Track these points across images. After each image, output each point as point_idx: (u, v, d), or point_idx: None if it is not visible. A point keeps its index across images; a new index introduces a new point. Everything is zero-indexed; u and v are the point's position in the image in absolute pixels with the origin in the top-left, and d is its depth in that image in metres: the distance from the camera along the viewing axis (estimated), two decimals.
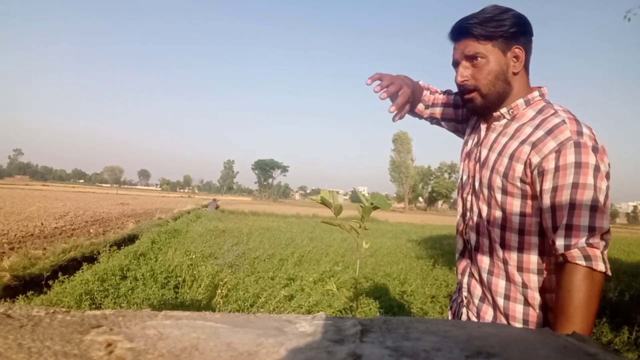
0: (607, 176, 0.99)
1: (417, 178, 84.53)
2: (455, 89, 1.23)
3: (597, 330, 3.67)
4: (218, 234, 9.72)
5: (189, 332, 0.42)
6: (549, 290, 1.05)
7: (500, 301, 1.11)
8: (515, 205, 1.07)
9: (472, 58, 1.11)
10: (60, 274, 4.67)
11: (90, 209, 17.94)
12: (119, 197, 37.41)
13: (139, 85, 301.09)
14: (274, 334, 0.42)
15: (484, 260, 1.15)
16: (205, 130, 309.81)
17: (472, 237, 1.19)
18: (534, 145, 1.03)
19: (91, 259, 6.07)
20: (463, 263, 1.24)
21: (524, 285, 1.07)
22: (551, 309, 1.04)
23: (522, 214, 1.06)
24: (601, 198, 0.96)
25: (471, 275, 1.21)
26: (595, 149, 0.98)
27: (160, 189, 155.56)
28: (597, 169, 0.97)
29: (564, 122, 1.01)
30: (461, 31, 1.12)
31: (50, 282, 4.47)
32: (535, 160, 1.01)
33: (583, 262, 0.94)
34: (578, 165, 0.96)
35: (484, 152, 1.16)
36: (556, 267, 1.03)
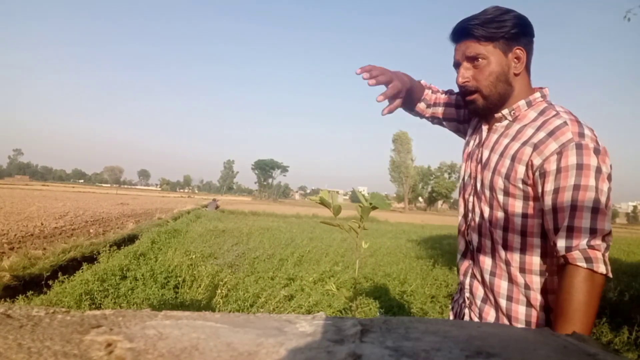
0: (609, 178, 0.99)
1: (417, 178, 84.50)
2: (456, 89, 1.23)
3: (597, 330, 3.67)
4: (218, 234, 9.72)
5: (189, 332, 0.42)
6: (551, 292, 1.05)
7: (503, 302, 1.11)
8: (517, 206, 1.07)
9: (473, 59, 1.10)
10: (60, 274, 4.67)
11: (90, 209, 17.94)
12: (118, 197, 37.41)
13: (139, 85, 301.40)
14: (274, 334, 0.42)
15: (486, 262, 1.15)
16: (205, 130, 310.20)
17: (474, 238, 1.18)
18: (535, 147, 1.02)
19: (91, 259, 6.06)
20: (465, 264, 1.24)
21: (527, 287, 1.07)
22: (553, 310, 1.04)
23: (524, 216, 1.06)
24: (603, 200, 0.96)
25: (473, 276, 1.20)
26: (596, 151, 0.98)
27: (160, 189, 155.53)
28: (598, 170, 0.97)
29: (565, 123, 1.01)
30: (462, 32, 1.12)
31: (50, 282, 4.47)
32: (536, 161, 1.01)
33: (584, 264, 0.94)
34: (580, 167, 0.96)
35: (486, 153, 1.16)
36: (557, 269, 1.03)
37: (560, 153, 0.98)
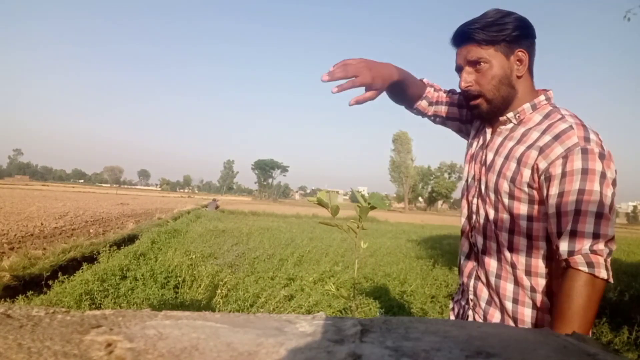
0: (614, 183, 0.99)
1: (417, 178, 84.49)
2: (458, 89, 1.22)
3: (597, 330, 3.67)
4: (218, 234, 9.71)
5: (189, 332, 0.42)
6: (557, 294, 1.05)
7: (509, 305, 1.11)
8: (522, 209, 1.07)
9: (475, 63, 1.10)
10: (60, 274, 4.67)
11: (90, 209, 17.94)
12: (118, 197, 37.41)
13: (139, 85, 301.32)
14: (274, 334, 0.42)
15: (491, 264, 1.15)
16: (205, 130, 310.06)
17: (479, 240, 1.18)
18: (541, 150, 1.02)
19: (91, 259, 6.06)
20: (469, 265, 1.23)
21: (533, 289, 1.07)
22: (552, 311, 1.04)
23: (530, 219, 1.06)
24: (606, 205, 0.96)
25: (477, 278, 1.20)
26: (602, 156, 0.98)
27: (160, 189, 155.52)
28: (603, 175, 0.97)
29: (571, 127, 1.01)
30: (463, 36, 1.11)
31: (50, 282, 4.47)
32: (542, 165, 1.01)
33: (585, 269, 0.94)
34: (585, 171, 0.96)
35: (490, 156, 1.15)
36: (558, 271, 1.03)
37: (565, 157, 0.98)
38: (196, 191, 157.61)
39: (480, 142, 1.22)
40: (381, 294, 4.75)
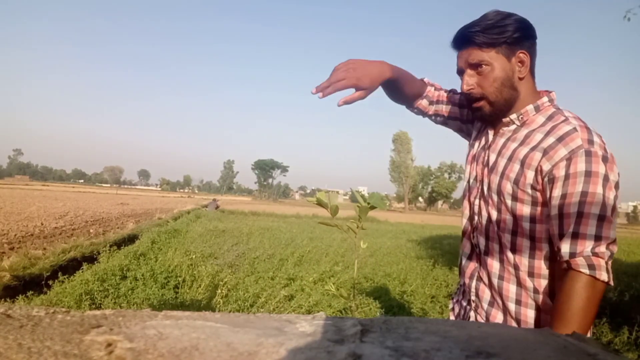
0: (616, 186, 0.99)
1: (417, 178, 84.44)
2: (459, 89, 1.22)
3: (597, 330, 3.67)
4: (218, 234, 9.71)
5: (189, 332, 0.42)
6: None
7: (512, 306, 1.11)
8: (525, 211, 1.07)
9: (476, 66, 1.10)
10: (60, 274, 4.67)
11: (90, 209, 17.94)
12: (119, 197, 37.40)
13: (139, 85, 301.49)
14: (274, 334, 0.42)
15: (494, 265, 1.15)
16: (205, 130, 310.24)
17: (481, 241, 1.18)
18: (545, 152, 1.02)
19: (91, 259, 6.06)
20: (471, 266, 1.23)
21: (535, 291, 1.07)
22: (551, 311, 1.04)
23: (533, 220, 1.06)
24: (609, 208, 0.96)
25: (479, 279, 1.20)
26: (605, 159, 0.98)
27: (160, 189, 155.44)
28: (606, 178, 0.97)
29: (575, 130, 1.01)
30: (464, 40, 1.11)
31: (50, 282, 4.47)
32: (546, 167, 1.01)
33: (587, 271, 0.94)
34: (588, 174, 0.97)
35: (493, 157, 1.15)
36: (559, 273, 1.03)
37: (569, 159, 0.98)
38: (196, 191, 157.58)
39: (482, 143, 1.22)
40: (381, 294, 4.75)
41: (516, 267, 1.09)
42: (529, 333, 0.49)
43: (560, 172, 0.99)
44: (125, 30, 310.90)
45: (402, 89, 1.27)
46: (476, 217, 1.20)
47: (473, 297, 1.21)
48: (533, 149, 1.05)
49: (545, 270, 1.07)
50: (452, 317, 1.33)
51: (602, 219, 0.95)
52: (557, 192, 1.00)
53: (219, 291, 4.47)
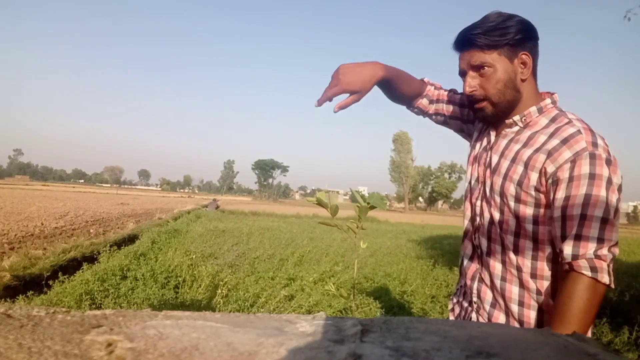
0: (619, 189, 0.99)
1: (417, 178, 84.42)
2: (460, 89, 1.21)
3: (597, 330, 3.67)
4: (218, 234, 9.71)
5: (189, 332, 0.42)
6: None
7: (515, 308, 1.11)
8: (528, 213, 1.06)
9: (478, 68, 1.09)
10: (60, 274, 4.67)
11: (90, 209, 17.95)
12: (119, 197, 37.41)
13: (139, 85, 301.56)
14: (274, 334, 0.42)
15: (496, 266, 1.14)
16: (205, 130, 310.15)
17: (483, 242, 1.17)
18: (549, 154, 1.02)
19: (91, 259, 6.06)
20: (472, 268, 1.22)
21: (538, 292, 1.07)
22: (551, 312, 1.04)
23: (536, 222, 1.06)
24: (612, 211, 0.96)
25: (481, 280, 1.19)
26: (608, 162, 0.98)
27: (160, 189, 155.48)
28: (609, 181, 0.97)
29: (579, 132, 1.01)
30: (465, 42, 1.11)
31: (51, 282, 4.47)
32: (550, 169, 1.01)
33: (589, 273, 0.94)
34: (592, 176, 0.97)
35: (495, 158, 1.15)
36: (560, 274, 1.03)
37: (573, 161, 0.98)
38: (196, 191, 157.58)
39: (484, 144, 1.21)
40: (381, 294, 4.75)
41: (519, 269, 1.09)
42: (529, 333, 0.49)
43: (564, 174, 0.99)
44: (125, 30, 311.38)
45: (399, 88, 1.27)
46: (478, 219, 1.20)
47: (475, 299, 1.21)
48: (537, 150, 1.05)
49: (547, 272, 1.06)
50: (452, 318, 1.33)
51: (605, 221, 0.96)
52: (560, 194, 1.00)
53: (219, 291, 4.47)
